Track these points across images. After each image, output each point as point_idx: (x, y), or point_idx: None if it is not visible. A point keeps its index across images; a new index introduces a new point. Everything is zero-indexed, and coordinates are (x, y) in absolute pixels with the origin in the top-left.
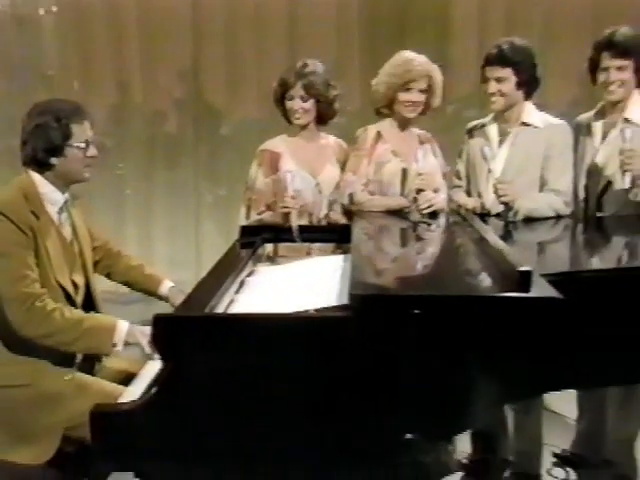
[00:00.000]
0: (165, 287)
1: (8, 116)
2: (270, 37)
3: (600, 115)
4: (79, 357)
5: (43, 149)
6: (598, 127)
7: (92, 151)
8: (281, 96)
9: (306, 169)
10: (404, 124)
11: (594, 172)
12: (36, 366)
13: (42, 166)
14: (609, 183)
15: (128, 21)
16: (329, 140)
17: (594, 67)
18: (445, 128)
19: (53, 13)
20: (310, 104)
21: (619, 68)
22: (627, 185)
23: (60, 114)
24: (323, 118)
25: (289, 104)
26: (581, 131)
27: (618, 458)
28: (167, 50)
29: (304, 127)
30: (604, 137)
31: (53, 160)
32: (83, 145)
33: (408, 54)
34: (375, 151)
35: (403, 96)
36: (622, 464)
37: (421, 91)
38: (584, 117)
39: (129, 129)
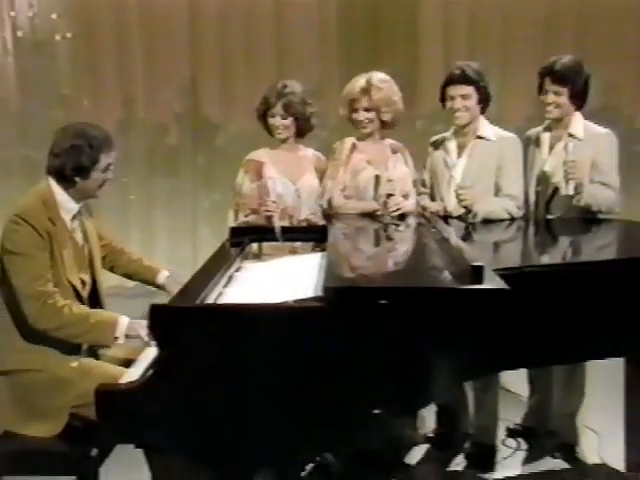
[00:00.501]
0: (162, 277)
1: (25, 130)
2: (260, 60)
3: (547, 130)
4: (85, 347)
5: (72, 168)
6: (546, 140)
7: (110, 175)
8: (263, 113)
9: (286, 176)
10: (364, 137)
11: (543, 179)
12: (47, 354)
13: (66, 180)
14: (556, 189)
15: (133, 45)
16: (307, 152)
17: (540, 89)
18: (416, 141)
19: (67, 39)
20: (289, 121)
21: (556, 92)
22: (571, 192)
23: (93, 142)
24: (301, 132)
25: (271, 121)
26: (530, 143)
27: (562, 429)
28: (167, 70)
29: (284, 140)
30: (551, 149)
31: (77, 179)
32: (103, 171)
33: (355, 78)
34: (351, 160)
35: (352, 115)
36: (565, 434)
37: (366, 109)
38: (533, 131)
39: (133, 141)
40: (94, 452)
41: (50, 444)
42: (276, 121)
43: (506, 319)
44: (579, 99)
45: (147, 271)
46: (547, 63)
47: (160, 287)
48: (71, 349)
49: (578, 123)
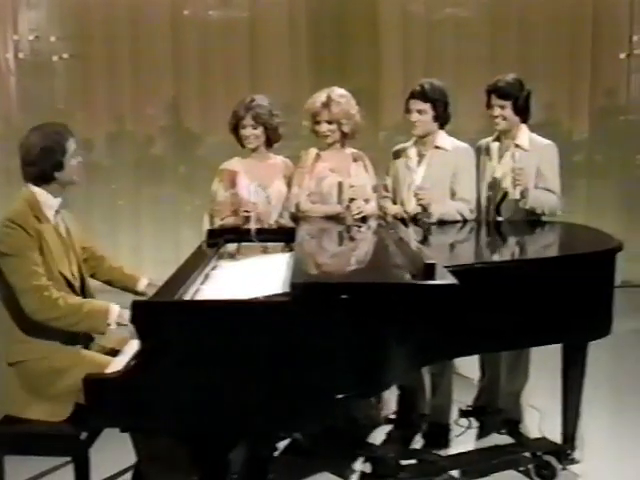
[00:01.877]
0: (142, 284)
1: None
2: (236, 77)
3: (497, 140)
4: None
5: (51, 167)
6: (495, 150)
7: (79, 158)
8: (235, 126)
9: (258, 183)
10: (327, 147)
11: (493, 185)
12: (47, 344)
13: (47, 181)
14: (505, 194)
15: (123, 65)
16: (277, 160)
17: (488, 105)
18: (379, 150)
19: (64, 59)
20: (259, 130)
21: (501, 106)
22: (517, 196)
23: (56, 136)
24: (270, 141)
25: (242, 132)
26: (481, 152)
27: (508, 408)
28: (153, 88)
29: (255, 150)
30: (500, 158)
31: (56, 174)
32: (74, 155)
33: (315, 94)
34: (315, 169)
35: (315, 128)
36: (510, 412)
37: (328, 122)
38: (484, 141)
39: (122, 151)
40: (84, 435)
41: (44, 428)
42: (247, 131)
43: (457, 311)
44: (523, 112)
45: (128, 279)
46: (492, 81)
47: (141, 294)
48: (68, 339)
49: (524, 135)
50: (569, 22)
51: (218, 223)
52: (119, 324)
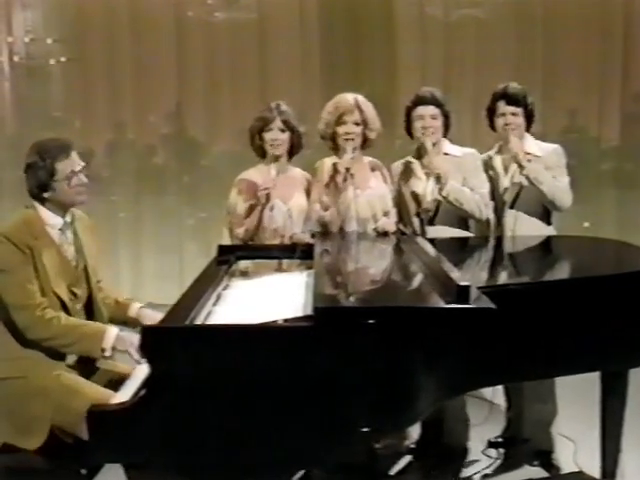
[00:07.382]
0: (133, 309)
1: (20, 152)
2: (244, 85)
3: (499, 153)
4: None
5: (35, 186)
6: (499, 163)
7: (77, 180)
8: (259, 130)
9: (278, 196)
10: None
11: (499, 200)
12: (32, 359)
13: (38, 198)
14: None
15: (124, 70)
16: (296, 172)
17: (492, 113)
18: (396, 159)
19: (61, 63)
20: (286, 135)
21: (513, 113)
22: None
23: (45, 155)
24: (293, 150)
25: (268, 135)
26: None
27: (536, 436)
28: (156, 95)
29: (277, 158)
30: (505, 169)
31: (45, 194)
32: (66, 179)
33: (342, 94)
34: (333, 180)
35: (340, 129)
36: (540, 440)
37: (356, 123)
38: (484, 155)
39: (123, 161)
40: (84, 470)
41: (40, 462)
42: (274, 134)
43: (490, 337)
44: (530, 120)
45: (117, 309)
46: (498, 88)
47: (132, 320)
48: (56, 354)
49: (532, 143)
50: (598, 21)
51: (241, 230)
52: (116, 349)
